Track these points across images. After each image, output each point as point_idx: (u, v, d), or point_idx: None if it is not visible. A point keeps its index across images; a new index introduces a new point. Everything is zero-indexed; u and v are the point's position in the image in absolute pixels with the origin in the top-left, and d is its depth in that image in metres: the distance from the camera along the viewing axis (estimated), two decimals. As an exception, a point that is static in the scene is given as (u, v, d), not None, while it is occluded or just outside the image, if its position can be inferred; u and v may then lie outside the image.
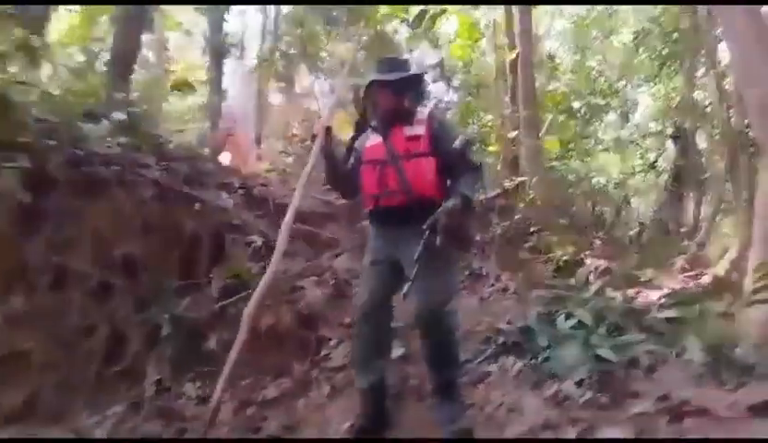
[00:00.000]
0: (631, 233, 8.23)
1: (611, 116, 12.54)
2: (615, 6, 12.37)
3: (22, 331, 2.44)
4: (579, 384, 2.20)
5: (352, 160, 2.28)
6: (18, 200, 2.39)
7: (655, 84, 12.36)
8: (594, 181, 8.89)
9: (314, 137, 2.31)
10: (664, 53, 10.71)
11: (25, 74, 3.70)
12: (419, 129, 2.11)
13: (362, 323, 2.15)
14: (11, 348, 2.41)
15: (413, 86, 2.20)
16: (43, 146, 2.58)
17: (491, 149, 7.52)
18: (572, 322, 2.80)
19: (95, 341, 2.67)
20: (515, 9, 6.54)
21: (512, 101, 7.10)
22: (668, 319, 2.69)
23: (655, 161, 10.65)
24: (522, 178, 6.00)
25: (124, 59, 4.60)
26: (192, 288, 2.94)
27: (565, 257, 5.00)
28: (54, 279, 2.62)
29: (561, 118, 8.96)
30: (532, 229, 5.57)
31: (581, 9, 12.88)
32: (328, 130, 2.24)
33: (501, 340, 2.80)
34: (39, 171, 2.47)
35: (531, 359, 2.55)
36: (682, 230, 9.20)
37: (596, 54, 13.40)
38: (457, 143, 2.02)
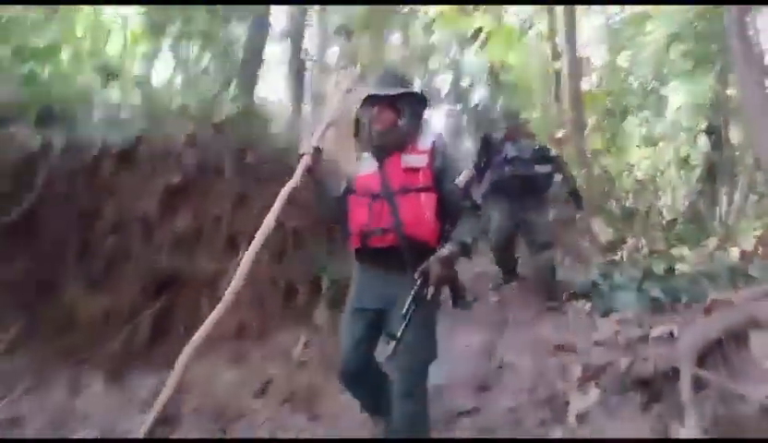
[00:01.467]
0: (666, 220, 8.95)
1: (644, 113, 13.13)
2: (648, 7, 12.87)
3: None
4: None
5: (344, 185, 2.07)
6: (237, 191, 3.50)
7: (688, 82, 12.78)
8: (630, 175, 9.61)
9: (301, 156, 2.06)
10: (696, 53, 11.21)
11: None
12: (420, 160, 1.90)
13: (348, 386, 2.02)
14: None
15: (414, 106, 1.98)
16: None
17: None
18: (625, 278, 3.73)
19: (276, 290, 3.74)
20: (559, 13, 7.38)
21: (556, 101, 7.95)
22: (700, 273, 3.58)
23: (688, 156, 11.20)
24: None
25: (251, 68, 5.56)
26: (339, 252, 3.96)
27: (610, 239, 5.87)
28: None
29: (600, 118, 9.74)
30: (578, 215, 6.45)
31: (614, 9, 13.39)
32: (316, 150, 2.04)
33: (572, 290, 3.75)
34: (254, 166, 3.57)
35: (597, 301, 3.49)
36: (714, 222, 9.81)
37: (629, 53, 13.93)
38: (459, 179, 1.89)
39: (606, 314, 3.27)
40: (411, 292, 1.75)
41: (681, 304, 3.16)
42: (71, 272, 3.83)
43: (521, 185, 3.68)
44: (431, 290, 1.74)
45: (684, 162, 11.19)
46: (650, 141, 12.77)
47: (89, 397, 2.94)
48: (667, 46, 11.76)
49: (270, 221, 2.09)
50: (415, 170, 1.88)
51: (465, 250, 1.81)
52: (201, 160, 3.67)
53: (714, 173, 11.01)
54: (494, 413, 2.44)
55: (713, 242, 6.13)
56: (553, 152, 3.89)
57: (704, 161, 11.50)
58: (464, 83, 10.96)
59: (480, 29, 7.25)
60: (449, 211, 1.89)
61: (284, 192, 2.08)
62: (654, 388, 2.27)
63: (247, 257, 2.08)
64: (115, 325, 3.81)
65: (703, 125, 11.92)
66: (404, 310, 1.73)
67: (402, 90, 1.95)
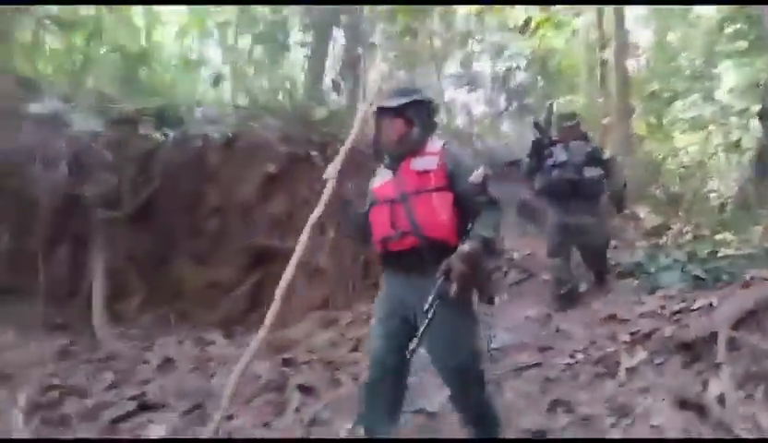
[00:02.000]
0: (715, 204, 9.02)
1: (693, 96, 12.90)
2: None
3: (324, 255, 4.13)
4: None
5: (368, 202, 2.09)
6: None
7: (740, 63, 12.41)
8: (677, 160, 9.66)
9: (325, 182, 2.13)
10: (749, 33, 10.91)
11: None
12: (431, 162, 1.94)
13: (370, 395, 2.00)
14: (320, 265, 4.09)
15: (421, 113, 2.03)
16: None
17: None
18: (670, 260, 4.10)
19: (356, 266, 4.34)
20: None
21: (602, 87, 8.14)
22: (741, 256, 3.91)
23: (739, 141, 11.00)
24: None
25: (318, 66, 6.10)
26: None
27: (654, 224, 6.16)
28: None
29: (646, 102, 9.81)
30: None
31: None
32: (340, 174, 2.11)
33: (619, 269, 4.16)
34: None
35: (643, 279, 3.89)
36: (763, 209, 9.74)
37: (678, 34, 13.63)
38: (474, 177, 1.87)
39: (651, 291, 3.67)
40: (433, 290, 1.75)
41: (722, 282, 3.53)
42: (181, 250, 4.54)
43: (570, 190, 3.65)
44: (454, 287, 1.72)
45: (734, 147, 11.06)
46: (698, 125, 12.60)
47: (216, 349, 3.62)
48: (720, 26, 11.51)
49: (304, 240, 2.19)
50: (427, 172, 1.92)
51: (486, 244, 1.80)
52: (292, 151, 4.25)
53: (766, 158, 10.81)
54: (554, 367, 2.93)
55: (758, 229, 6.30)
56: (606, 154, 3.84)
57: (757, 145, 11.29)
58: (507, 67, 11.11)
59: (529, 20, 7.49)
60: (466, 209, 1.89)
61: (312, 219, 2.17)
62: (695, 350, 2.71)
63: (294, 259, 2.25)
64: (218, 294, 4.52)
65: (756, 108, 11.66)
66: (426, 306, 1.74)
67: (407, 100, 2.00)
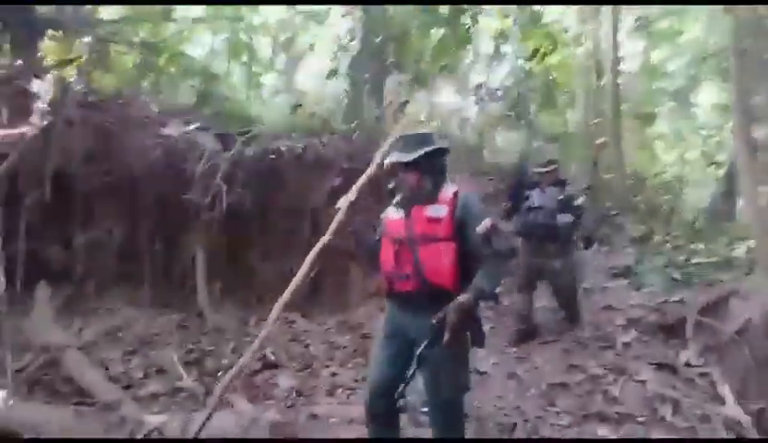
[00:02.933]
0: (690, 217, 10.19)
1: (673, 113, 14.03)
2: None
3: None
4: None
5: (379, 231, 2.22)
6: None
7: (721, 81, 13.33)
8: (658, 176, 10.82)
9: (337, 210, 2.28)
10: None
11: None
12: (442, 210, 2.00)
13: (371, 411, 2.12)
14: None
15: (435, 163, 2.09)
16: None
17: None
18: (653, 264, 5.17)
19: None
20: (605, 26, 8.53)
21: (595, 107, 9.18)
22: (708, 264, 4.99)
23: (713, 157, 12.12)
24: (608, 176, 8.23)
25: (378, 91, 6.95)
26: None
27: (638, 233, 7.25)
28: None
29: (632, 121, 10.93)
30: (613, 212, 7.82)
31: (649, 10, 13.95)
32: (352, 205, 2.27)
33: (614, 272, 5.21)
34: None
35: (632, 279, 4.94)
36: (733, 221, 10.89)
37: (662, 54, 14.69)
38: (481, 228, 1.92)
39: (638, 288, 4.73)
40: (427, 338, 1.88)
41: (693, 283, 4.60)
42: (257, 245, 5.43)
43: (543, 233, 3.80)
44: (447, 336, 1.82)
45: (710, 164, 12.27)
46: (677, 141, 13.78)
47: (299, 325, 4.55)
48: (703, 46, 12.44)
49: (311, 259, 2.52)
50: (437, 220, 1.98)
51: (484, 297, 1.90)
52: (354, 167, 5.17)
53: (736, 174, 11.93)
54: (567, 341, 3.93)
55: (725, 240, 7.43)
56: (578, 201, 3.88)
57: (729, 160, 12.37)
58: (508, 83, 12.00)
59: (538, 50, 8.49)
60: (471, 258, 1.96)
61: (318, 246, 2.43)
62: (671, 330, 3.76)
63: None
64: (286, 282, 5.42)
65: (730, 125, 12.79)
66: (418, 352, 1.90)
67: (421, 152, 2.04)
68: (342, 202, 2.32)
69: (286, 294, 2.55)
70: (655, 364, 3.48)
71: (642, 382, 3.30)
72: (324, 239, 2.45)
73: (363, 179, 2.50)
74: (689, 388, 3.21)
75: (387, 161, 2.13)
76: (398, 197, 2.13)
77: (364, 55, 7.07)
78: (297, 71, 11.23)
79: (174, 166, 4.68)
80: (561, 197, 3.83)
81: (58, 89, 3.91)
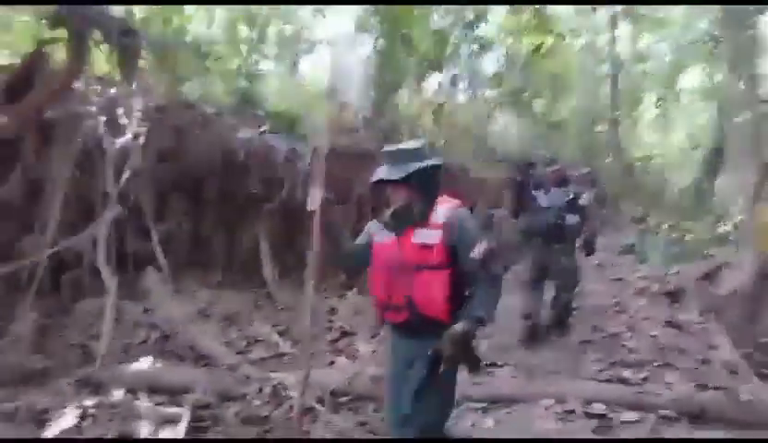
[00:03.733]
0: (676, 197, 11.13)
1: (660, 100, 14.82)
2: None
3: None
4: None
5: (364, 239, 2.11)
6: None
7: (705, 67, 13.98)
8: (650, 160, 11.70)
9: (312, 212, 2.08)
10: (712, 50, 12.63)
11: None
12: (434, 236, 1.88)
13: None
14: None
15: (427, 179, 1.93)
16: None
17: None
18: (652, 242, 5.99)
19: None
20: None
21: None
22: (700, 240, 5.83)
23: (697, 146, 12.98)
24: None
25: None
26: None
27: (635, 214, 8.11)
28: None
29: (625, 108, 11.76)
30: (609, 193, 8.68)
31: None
32: (325, 201, 2.06)
33: (620, 249, 6.02)
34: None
35: (636, 255, 5.76)
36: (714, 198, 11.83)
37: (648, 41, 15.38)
38: (476, 252, 1.83)
39: (642, 262, 5.54)
40: (425, 366, 1.85)
41: (690, 258, 5.42)
42: (304, 232, 6.07)
43: (551, 234, 3.84)
44: (442, 367, 1.80)
45: (693, 147, 13.18)
46: (662, 126, 14.69)
47: (354, 300, 5.24)
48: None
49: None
50: (429, 246, 1.87)
51: (480, 323, 1.82)
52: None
53: (720, 154, 12.75)
54: (589, 307, 4.71)
55: (711, 218, 8.33)
56: (584, 200, 3.93)
57: (711, 143, 13.19)
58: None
59: (541, 45, 9.13)
60: (466, 284, 1.89)
61: (312, 259, 2.08)
62: (673, 296, 4.57)
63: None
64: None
65: (713, 111, 13.64)
66: (416, 386, 1.88)
67: (411, 169, 1.89)
68: (313, 203, 2.06)
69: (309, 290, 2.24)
70: (662, 322, 4.28)
71: (653, 337, 4.10)
72: (314, 251, 2.15)
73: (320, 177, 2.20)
74: (691, 339, 4.01)
75: (372, 178, 1.98)
76: (386, 218, 1.99)
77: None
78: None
79: (242, 164, 5.26)
80: (568, 197, 3.88)
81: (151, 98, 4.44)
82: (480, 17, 7.93)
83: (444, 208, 1.94)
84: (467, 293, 1.91)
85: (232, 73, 6.60)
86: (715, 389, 3.23)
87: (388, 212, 1.99)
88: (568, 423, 3.01)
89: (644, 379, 3.50)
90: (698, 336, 4.00)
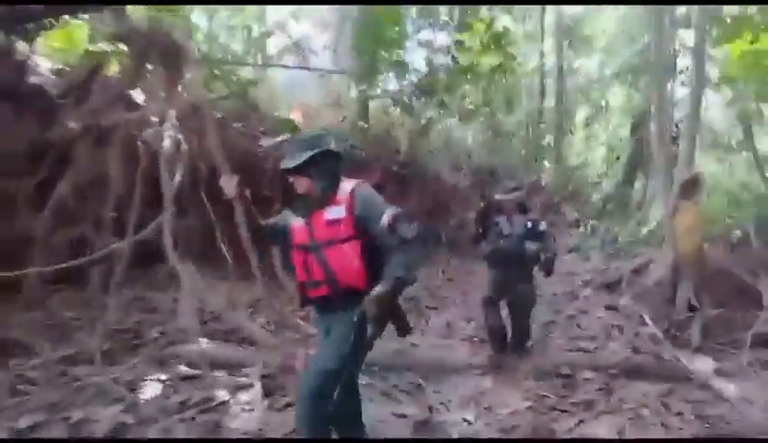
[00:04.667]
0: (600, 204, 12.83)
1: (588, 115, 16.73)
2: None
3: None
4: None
5: (279, 222, 2.27)
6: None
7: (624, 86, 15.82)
8: (582, 168, 13.37)
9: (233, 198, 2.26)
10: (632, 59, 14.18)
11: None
12: (339, 211, 1.99)
13: (309, 415, 2.06)
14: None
15: (324, 166, 2.05)
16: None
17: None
18: (592, 242, 7.32)
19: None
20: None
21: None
22: (632, 241, 7.23)
23: (618, 157, 14.77)
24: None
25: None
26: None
27: (572, 218, 9.54)
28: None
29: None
30: (556, 199, 10.10)
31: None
32: (239, 183, 2.21)
33: (569, 248, 7.29)
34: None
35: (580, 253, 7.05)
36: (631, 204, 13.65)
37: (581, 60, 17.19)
38: (384, 219, 1.91)
39: (586, 260, 6.81)
40: (351, 330, 1.93)
41: (620, 255, 6.76)
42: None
43: (511, 260, 3.89)
44: (370, 329, 1.89)
45: (616, 159, 15.10)
46: (591, 138, 16.61)
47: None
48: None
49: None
50: (337, 222, 1.98)
51: (399, 283, 1.91)
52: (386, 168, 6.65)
53: (635, 164, 14.62)
54: (549, 296, 5.83)
55: (633, 222, 9.95)
56: (542, 227, 4.01)
57: (628, 154, 15.05)
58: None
59: (500, 65, 10.28)
60: (380, 252, 1.97)
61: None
62: (612, 286, 5.83)
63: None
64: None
65: (629, 125, 15.54)
66: (347, 349, 1.94)
67: (305, 157, 2.01)
68: (229, 189, 2.22)
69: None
70: (605, 306, 5.50)
71: (600, 317, 5.29)
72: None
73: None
74: (626, 319, 5.24)
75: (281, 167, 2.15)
76: (295, 204, 2.15)
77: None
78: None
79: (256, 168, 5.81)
80: (528, 224, 3.95)
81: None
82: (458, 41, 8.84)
83: (347, 185, 2.07)
84: (384, 262, 1.97)
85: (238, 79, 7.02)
86: (645, 353, 4.41)
87: (296, 200, 2.17)
88: (543, 381, 3.99)
89: (596, 348, 4.63)
90: (631, 316, 5.23)
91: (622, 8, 13.21)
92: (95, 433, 2.84)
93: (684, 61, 12.72)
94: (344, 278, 2.01)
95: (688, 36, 11.61)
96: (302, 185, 2.10)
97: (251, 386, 3.59)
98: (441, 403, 3.56)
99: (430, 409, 3.48)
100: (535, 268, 4.05)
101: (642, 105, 13.41)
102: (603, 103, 16.15)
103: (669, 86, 11.86)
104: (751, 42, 6.49)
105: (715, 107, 13.31)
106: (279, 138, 4.71)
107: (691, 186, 5.38)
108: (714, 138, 13.28)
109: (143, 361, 3.80)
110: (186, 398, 3.38)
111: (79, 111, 4.05)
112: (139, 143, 4.37)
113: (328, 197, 2.06)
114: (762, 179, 7.53)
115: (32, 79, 4.01)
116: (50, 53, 4.33)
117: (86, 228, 4.62)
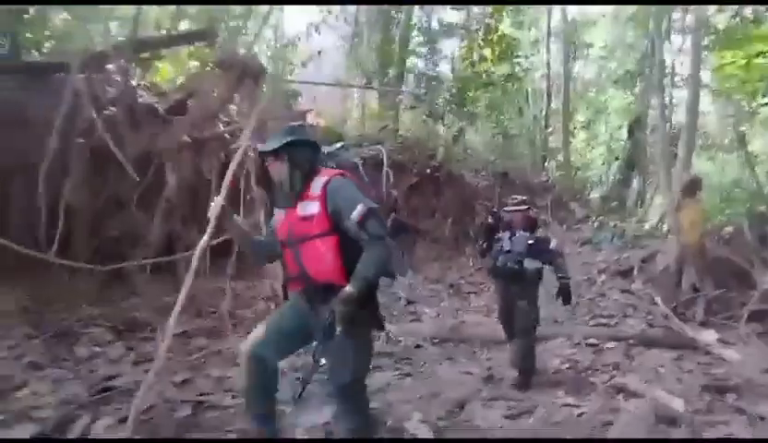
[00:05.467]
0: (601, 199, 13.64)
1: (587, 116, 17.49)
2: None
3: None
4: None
5: (271, 225, 2.23)
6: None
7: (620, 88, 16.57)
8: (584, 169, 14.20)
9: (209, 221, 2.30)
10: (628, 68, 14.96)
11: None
12: (313, 206, 1.98)
13: (251, 368, 2.12)
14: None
15: (302, 154, 2.06)
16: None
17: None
18: (602, 236, 8.15)
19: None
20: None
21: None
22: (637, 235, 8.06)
23: (617, 157, 15.52)
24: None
25: None
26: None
27: (580, 215, 10.35)
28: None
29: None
30: (564, 197, 10.88)
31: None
32: (223, 209, 2.21)
33: (580, 242, 8.12)
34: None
35: (593, 245, 7.89)
36: (629, 201, 14.38)
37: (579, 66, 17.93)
38: (354, 215, 1.88)
39: (598, 251, 7.64)
40: (321, 332, 1.92)
41: (628, 247, 7.58)
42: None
43: (510, 277, 3.80)
44: (339, 328, 1.88)
45: (615, 158, 15.93)
46: (592, 139, 17.39)
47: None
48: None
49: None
50: (310, 217, 1.97)
51: (368, 284, 1.91)
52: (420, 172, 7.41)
53: (633, 165, 15.34)
54: (573, 282, 6.61)
55: (635, 218, 10.78)
56: (552, 244, 3.88)
57: (625, 155, 15.77)
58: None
59: (512, 74, 11.12)
60: (352, 248, 1.94)
61: (200, 247, 2.78)
62: (625, 273, 6.66)
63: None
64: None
65: (626, 126, 16.28)
66: (313, 353, 1.96)
67: (280, 142, 2.04)
68: (213, 212, 2.24)
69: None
70: (620, 290, 6.31)
71: (616, 299, 6.10)
72: (202, 242, 2.78)
73: (226, 182, 2.68)
74: (639, 300, 6.05)
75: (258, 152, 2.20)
76: (275, 196, 2.18)
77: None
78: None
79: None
80: (531, 241, 3.81)
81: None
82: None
83: (322, 178, 2.03)
84: (355, 261, 1.94)
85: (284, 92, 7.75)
86: (658, 327, 5.22)
87: (275, 192, 2.18)
88: (576, 349, 4.78)
89: (615, 324, 5.44)
90: (644, 298, 6.05)
91: (621, 16, 14.04)
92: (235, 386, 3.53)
93: (680, 67, 13.72)
94: (319, 274, 2.00)
95: (684, 43, 12.58)
96: (276, 170, 2.10)
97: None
98: (496, 366, 4.31)
99: (489, 369, 4.26)
100: (536, 289, 3.86)
101: (638, 109, 14.28)
102: (602, 107, 16.91)
103: (667, 92, 12.80)
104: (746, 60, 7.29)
105: (708, 108, 14.23)
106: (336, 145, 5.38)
107: (693, 186, 6.20)
108: (706, 139, 14.17)
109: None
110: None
111: (181, 125, 4.76)
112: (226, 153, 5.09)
113: (298, 185, 2.06)
114: (752, 175, 8.31)
115: (144, 98, 4.73)
116: (158, 76, 5.04)
117: (176, 225, 5.34)
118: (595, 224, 9.06)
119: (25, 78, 4.64)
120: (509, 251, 3.82)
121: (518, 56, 10.78)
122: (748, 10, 9.80)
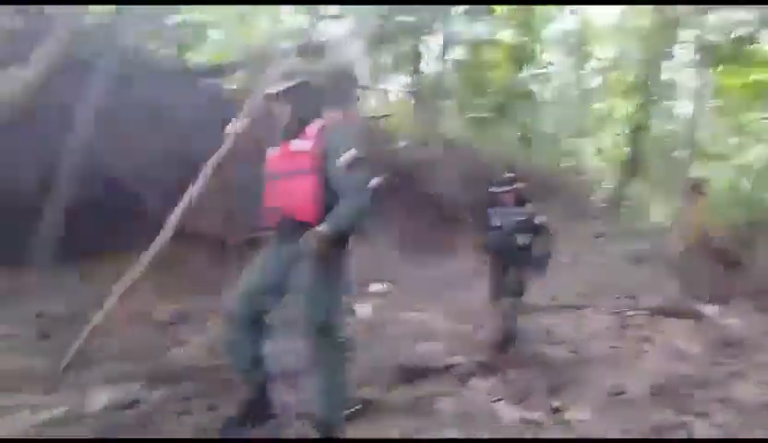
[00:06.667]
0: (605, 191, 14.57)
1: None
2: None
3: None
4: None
5: None
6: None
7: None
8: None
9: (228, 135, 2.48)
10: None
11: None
12: (307, 144, 2.03)
13: (239, 313, 2.13)
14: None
15: (302, 97, 2.10)
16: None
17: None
18: (616, 230, 9.25)
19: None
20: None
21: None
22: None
23: (621, 161, 16.40)
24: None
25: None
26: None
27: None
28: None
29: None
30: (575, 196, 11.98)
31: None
32: (238, 135, 2.35)
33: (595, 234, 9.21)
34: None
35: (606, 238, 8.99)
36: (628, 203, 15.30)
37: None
38: (341, 160, 1.93)
39: (611, 243, 8.73)
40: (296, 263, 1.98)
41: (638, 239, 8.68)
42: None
43: (502, 253, 3.92)
44: (311, 261, 1.92)
45: (618, 162, 16.94)
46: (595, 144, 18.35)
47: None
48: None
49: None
50: (300, 153, 2.03)
51: (341, 229, 1.95)
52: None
53: (634, 166, 16.13)
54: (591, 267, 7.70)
55: (639, 216, 11.86)
56: (539, 220, 3.90)
57: (627, 157, 16.58)
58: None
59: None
60: (332, 194, 1.98)
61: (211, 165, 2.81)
62: (640, 259, 7.76)
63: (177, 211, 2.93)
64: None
65: (629, 133, 17.14)
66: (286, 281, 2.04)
67: (286, 84, 2.08)
68: (230, 128, 2.33)
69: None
70: (635, 272, 7.40)
71: (634, 279, 7.17)
72: (212, 160, 2.77)
73: (248, 111, 2.67)
74: (654, 280, 7.13)
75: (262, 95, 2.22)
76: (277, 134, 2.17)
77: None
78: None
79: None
80: (520, 218, 3.87)
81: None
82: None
83: (322, 121, 2.08)
84: (334, 205, 1.98)
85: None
86: (671, 302, 6.30)
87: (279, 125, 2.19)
88: (608, 316, 5.81)
89: (635, 297, 6.52)
90: (657, 280, 7.15)
91: (626, 27, 15.06)
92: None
93: (681, 77, 14.83)
94: (293, 209, 2.03)
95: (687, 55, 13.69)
96: (281, 111, 2.14)
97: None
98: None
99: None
100: (528, 264, 3.92)
101: (640, 116, 15.23)
102: (605, 112, 17.85)
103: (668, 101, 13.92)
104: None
105: (705, 117, 15.33)
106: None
107: (697, 188, 7.33)
108: (703, 145, 15.24)
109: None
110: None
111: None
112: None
113: (301, 128, 2.10)
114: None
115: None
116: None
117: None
118: (603, 220, 10.15)
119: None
120: (499, 226, 3.98)
121: (527, 64, 11.74)
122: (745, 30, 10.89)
